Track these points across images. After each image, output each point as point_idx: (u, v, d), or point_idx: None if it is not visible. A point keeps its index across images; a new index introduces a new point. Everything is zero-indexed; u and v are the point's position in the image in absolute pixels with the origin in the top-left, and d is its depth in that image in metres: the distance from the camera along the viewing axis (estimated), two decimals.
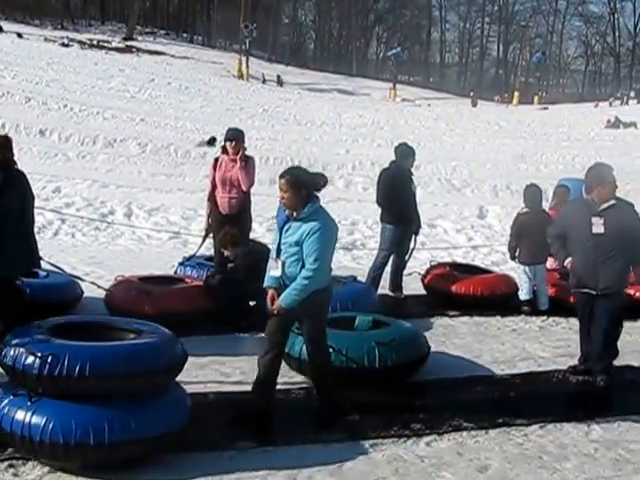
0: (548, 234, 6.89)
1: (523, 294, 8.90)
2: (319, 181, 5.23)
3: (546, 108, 58.37)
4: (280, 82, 55.57)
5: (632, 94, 66.41)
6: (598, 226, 6.20)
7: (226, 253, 7.86)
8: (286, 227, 5.16)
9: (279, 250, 5.21)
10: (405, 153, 9.19)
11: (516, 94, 66.64)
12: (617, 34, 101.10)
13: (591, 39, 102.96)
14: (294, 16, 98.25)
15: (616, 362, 6.94)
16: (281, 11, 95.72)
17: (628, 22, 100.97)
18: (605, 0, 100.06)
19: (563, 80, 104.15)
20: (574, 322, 8.51)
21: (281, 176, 5.15)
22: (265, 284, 5.31)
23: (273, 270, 5.24)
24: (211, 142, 23.39)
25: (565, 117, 48.05)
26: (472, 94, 64.01)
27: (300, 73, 72.25)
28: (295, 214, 5.11)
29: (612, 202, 6.27)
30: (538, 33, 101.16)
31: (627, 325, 8.46)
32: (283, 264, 5.14)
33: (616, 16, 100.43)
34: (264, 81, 54.78)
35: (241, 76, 55.71)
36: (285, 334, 5.32)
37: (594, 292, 6.27)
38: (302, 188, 5.08)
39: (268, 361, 5.19)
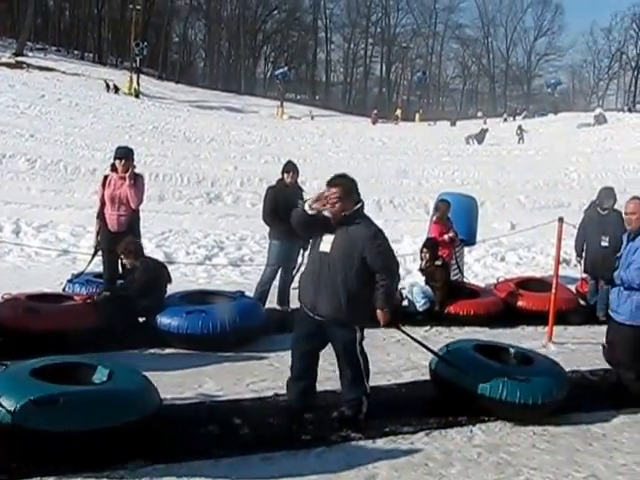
0: None
1: None
2: None
3: (430, 124, 60.62)
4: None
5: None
6: None
7: (125, 261, 7.79)
8: None
9: None
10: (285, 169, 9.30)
11: (398, 112, 68.27)
12: (491, 56, 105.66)
13: (468, 60, 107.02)
14: (184, 35, 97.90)
15: None
16: (171, 30, 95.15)
17: (501, 45, 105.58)
18: (479, 25, 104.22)
19: (442, 98, 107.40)
20: (457, 331, 8.85)
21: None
22: None
23: None
24: None
25: (445, 133, 49.60)
26: (375, 112, 65.52)
27: (190, 90, 71.84)
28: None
29: None
30: (418, 54, 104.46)
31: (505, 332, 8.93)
32: None
33: (490, 39, 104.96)
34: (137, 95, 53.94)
35: (131, 93, 54.98)
36: None
37: None
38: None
39: None
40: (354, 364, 5.63)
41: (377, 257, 5.42)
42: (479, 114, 70.30)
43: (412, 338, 6.18)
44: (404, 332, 6.15)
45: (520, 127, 47.25)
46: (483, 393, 5.80)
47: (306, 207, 5.47)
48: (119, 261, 8.30)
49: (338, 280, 5.39)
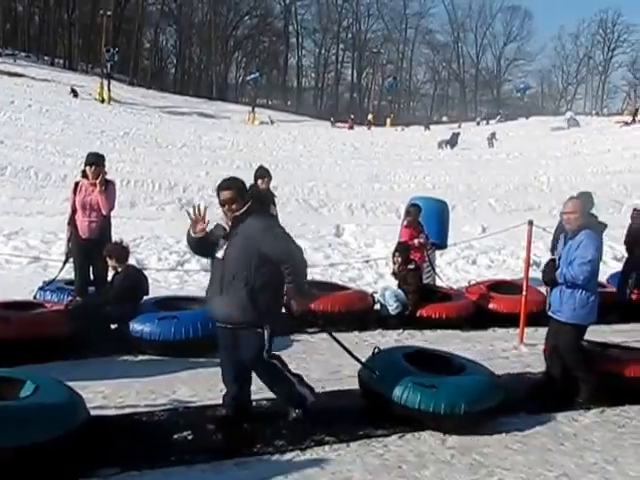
0: None
1: None
2: None
3: (403, 129, 61.23)
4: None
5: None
6: None
7: (110, 262, 7.76)
8: None
9: None
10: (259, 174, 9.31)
11: (370, 117, 68.64)
12: (461, 61, 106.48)
13: (438, 65, 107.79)
14: (155, 41, 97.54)
15: None
16: (142, 36, 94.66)
17: (471, 50, 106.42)
18: (449, 30, 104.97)
19: (413, 103, 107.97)
20: (429, 334, 8.91)
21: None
22: None
23: None
24: None
25: (417, 138, 49.85)
26: (352, 117, 66.45)
27: (161, 96, 71.59)
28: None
29: None
30: (389, 59, 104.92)
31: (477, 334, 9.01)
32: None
33: (460, 45, 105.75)
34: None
35: (102, 99, 54.73)
36: None
37: None
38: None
39: None
40: (269, 368, 5.51)
41: (275, 247, 5.28)
42: (444, 118, 71.02)
43: (340, 344, 5.99)
44: (334, 338, 6.03)
45: (493, 134, 47.70)
46: (396, 400, 5.69)
47: (192, 233, 5.43)
48: (90, 268, 8.29)
49: (239, 282, 5.23)
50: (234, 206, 5.32)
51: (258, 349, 5.34)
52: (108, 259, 7.84)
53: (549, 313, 6.85)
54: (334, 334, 6.12)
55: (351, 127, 62.42)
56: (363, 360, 6.12)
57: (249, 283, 5.21)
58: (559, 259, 6.74)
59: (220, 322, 5.46)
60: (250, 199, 5.43)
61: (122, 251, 7.95)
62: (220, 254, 5.35)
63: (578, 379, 6.73)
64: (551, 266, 6.77)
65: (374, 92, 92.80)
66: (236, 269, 5.25)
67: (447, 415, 5.62)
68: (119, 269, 7.82)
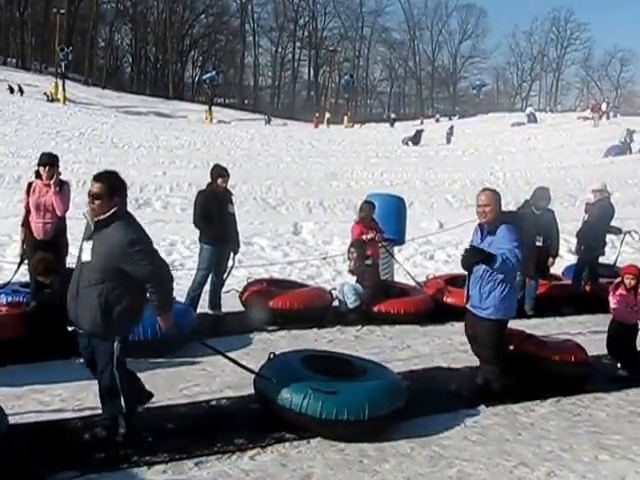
0: None
1: None
2: None
3: (360, 126, 61.64)
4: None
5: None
6: None
7: (40, 279, 7.61)
8: None
9: None
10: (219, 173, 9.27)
11: (327, 115, 68.73)
12: (418, 59, 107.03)
13: (394, 63, 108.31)
14: (110, 39, 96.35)
15: (426, 364, 7.48)
16: (97, 34, 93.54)
17: (427, 48, 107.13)
18: (406, 28, 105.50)
19: (370, 101, 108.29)
20: (387, 329, 8.97)
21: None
22: None
23: None
24: None
25: (373, 136, 50.07)
26: (317, 115, 66.42)
27: (117, 96, 70.87)
28: None
29: None
30: (346, 57, 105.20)
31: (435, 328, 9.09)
32: None
33: (416, 42, 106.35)
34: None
35: (57, 99, 54.06)
36: None
37: None
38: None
39: None
40: (110, 380, 5.09)
41: (137, 266, 4.91)
42: (392, 116, 71.39)
43: (220, 353, 5.78)
44: (208, 346, 5.84)
45: (452, 128, 48.24)
46: (295, 409, 5.39)
47: None
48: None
49: (93, 291, 4.92)
50: (97, 204, 4.95)
51: (108, 358, 5.06)
52: (39, 278, 7.63)
53: (467, 306, 6.64)
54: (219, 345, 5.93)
55: (316, 125, 62.73)
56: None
57: (103, 294, 4.91)
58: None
59: (76, 325, 5.26)
60: (117, 204, 4.99)
61: (46, 264, 7.59)
62: (85, 256, 5.02)
63: (488, 374, 6.62)
64: (470, 253, 6.40)
65: (331, 90, 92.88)
66: (92, 277, 4.95)
67: (349, 422, 5.37)
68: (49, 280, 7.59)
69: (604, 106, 57.60)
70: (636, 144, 38.51)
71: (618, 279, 7.61)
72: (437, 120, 67.33)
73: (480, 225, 6.54)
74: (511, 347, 6.95)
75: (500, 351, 6.59)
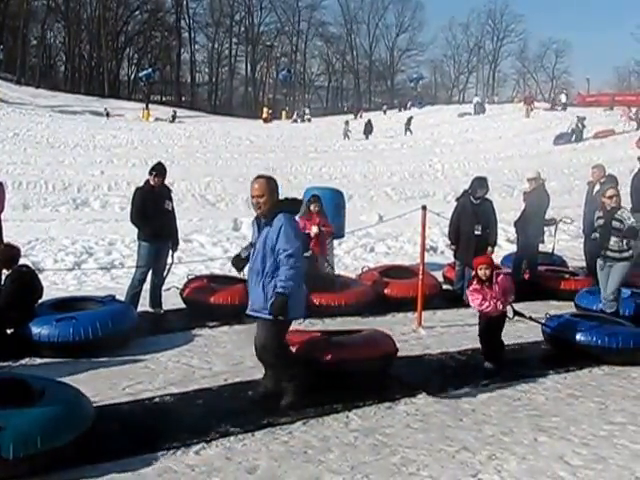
0: None
1: None
2: None
3: (309, 120, 61.85)
4: None
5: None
6: None
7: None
8: None
9: None
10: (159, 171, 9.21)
11: (265, 110, 68.64)
12: (355, 53, 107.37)
13: (332, 57, 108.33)
14: (42, 37, 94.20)
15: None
16: (29, 33, 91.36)
17: (364, 42, 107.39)
18: (342, 22, 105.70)
19: (309, 96, 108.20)
20: (329, 322, 9.02)
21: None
22: None
23: None
24: None
25: (312, 130, 50.18)
26: (270, 112, 67.18)
27: (51, 95, 69.60)
28: None
29: None
30: (283, 52, 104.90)
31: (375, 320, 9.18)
32: None
33: (353, 36, 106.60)
34: None
35: None
36: None
37: None
38: None
39: None
40: None
41: None
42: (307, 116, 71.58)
43: None
44: None
45: (409, 119, 48.63)
46: None
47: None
48: None
49: None
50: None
51: None
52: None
53: (250, 312, 5.97)
54: None
55: (268, 120, 62.70)
56: None
57: None
58: (254, 245, 5.93)
59: None
60: None
61: (7, 252, 7.68)
62: None
63: (281, 381, 6.07)
64: (238, 259, 6.17)
65: (269, 85, 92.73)
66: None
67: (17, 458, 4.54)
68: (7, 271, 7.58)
69: (563, 97, 58.14)
70: (586, 131, 39.43)
71: (473, 273, 7.43)
72: (384, 112, 67.07)
73: (257, 218, 5.96)
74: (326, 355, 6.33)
75: (286, 355, 6.06)
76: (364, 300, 9.68)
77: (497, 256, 11.78)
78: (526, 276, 11.33)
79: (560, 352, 7.93)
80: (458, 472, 4.94)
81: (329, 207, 11.26)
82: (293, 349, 6.23)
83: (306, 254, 9.78)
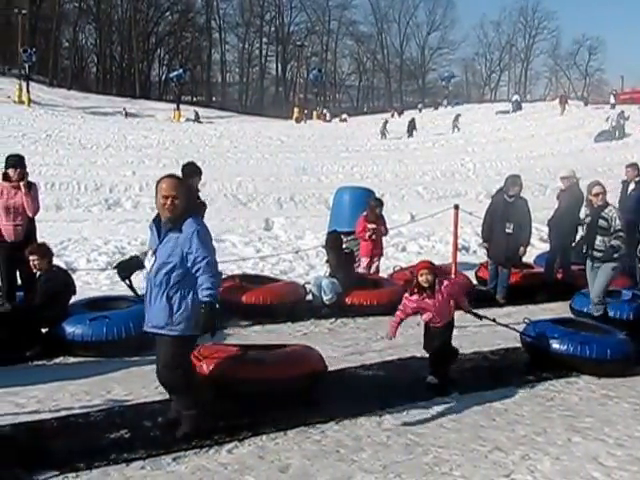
0: None
1: None
2: None
3: (345, 120, 61.82)
4: None
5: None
6: None
7: (32, 258, 7.59)
8: None
9: None
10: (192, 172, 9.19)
11: (297, 110, 68.74)
12: (386, 52, 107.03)
13: (362, 57, 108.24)
14: (74, 39, 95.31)
15: (400, 354, 7.53)
16: (61, 35, 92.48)
17: (395, 41, 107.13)
18: (373, 21, 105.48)
19: (339, 95, 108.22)
20: (361, 322, 9.02)
21: None
22: None
23: None
24: None
25: (343, 130, 50.16)
26: (305, 111, 68.01)
27: (83, 97, 70.32)
28: None
29: None
30: (313, 52, 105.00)
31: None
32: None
33: (384, 35, 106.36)
34: None
35: (22, 102, 53.56)
36: None
37: None
38: None
39: None
40: None
41: None
42: (343, 115, 71.57)
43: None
44: None
45: (457, 116, 48.55)
46: None
47: None
48: (17, 272, 8.15)
49: None
50: None
51: None
52: (30, 257, 7.63)
53: (149, 329, 5.21)
54: None
55: (300, 120, 62.98)
56: None
57: None
58: (154, 253, 5.15)
59: None
60: None
61: (44, 249, 7.77)
62: None
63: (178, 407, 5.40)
64: (128, 264, 5.72)
65: (299, 85, 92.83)
66: None
67: None
68: (42, 270, 7.66)
69: (612, 99, 56.84)
70: (628, 124, 39.03)
71: (414, 281, 6.67)
72: (420, 110, 66.91)
73: (156, 222, 5.22)
74: None
75: (191, 375, 5.44)
76: (396, 299, 9.63)
77: (530, 255, 11.72)
78: (559, 275, 11.23)
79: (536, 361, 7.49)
80: (491, 472, 4.91)
81: (360, 206, 11.29)
82: (203, 367, 5.80)
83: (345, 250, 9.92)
